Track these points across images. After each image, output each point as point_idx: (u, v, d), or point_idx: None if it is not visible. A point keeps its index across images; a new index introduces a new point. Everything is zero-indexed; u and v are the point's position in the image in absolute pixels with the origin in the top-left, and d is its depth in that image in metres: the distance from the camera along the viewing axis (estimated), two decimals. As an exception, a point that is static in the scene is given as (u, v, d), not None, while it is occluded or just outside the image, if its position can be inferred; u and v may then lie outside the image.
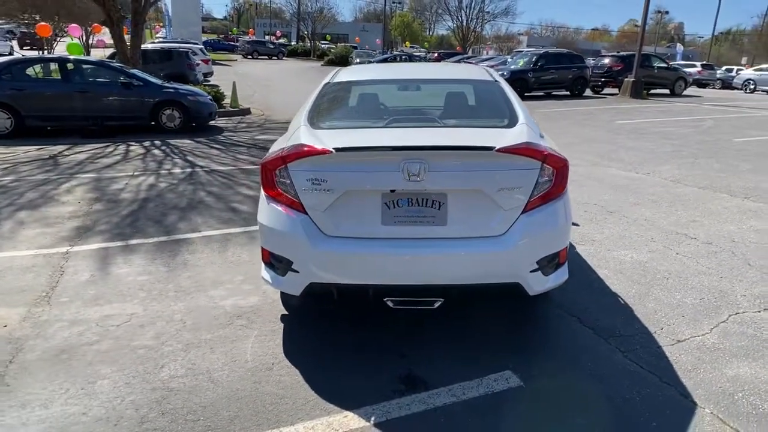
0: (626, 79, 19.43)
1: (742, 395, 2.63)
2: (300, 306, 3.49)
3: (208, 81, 19.86)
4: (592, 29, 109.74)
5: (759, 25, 61.53)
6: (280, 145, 3.07)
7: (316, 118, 3.20)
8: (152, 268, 4.10)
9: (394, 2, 76.64)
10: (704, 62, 34.38)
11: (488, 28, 71.55)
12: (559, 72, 19.37)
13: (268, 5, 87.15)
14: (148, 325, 3.26)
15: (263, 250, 3.01)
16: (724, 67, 33.77)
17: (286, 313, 3.42)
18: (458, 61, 33.94)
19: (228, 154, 8.69)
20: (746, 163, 8.35)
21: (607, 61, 21.51)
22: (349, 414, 2.47)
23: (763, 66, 28.67)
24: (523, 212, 2.75)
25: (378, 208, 2.73)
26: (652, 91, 21.03)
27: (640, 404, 2.55)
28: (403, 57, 31.93)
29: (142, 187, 6.51)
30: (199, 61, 19.92)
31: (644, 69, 20.15)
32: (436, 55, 38.94)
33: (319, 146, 2.71)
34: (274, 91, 20.62)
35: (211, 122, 11.53)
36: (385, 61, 30.40)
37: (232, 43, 59.37)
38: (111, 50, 16.48)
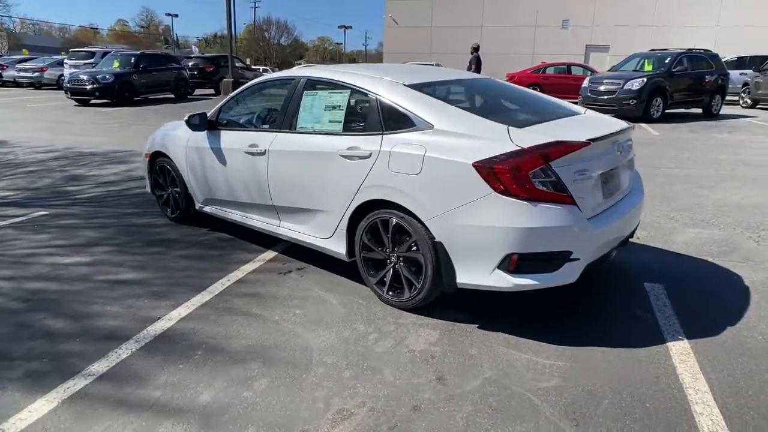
0: (225, 79, 20.52)
1: (698, 248, 4.57)
2: (470, 313, 3.41)
3: None
4: (81, 27, 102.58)
5: (251, 29, 73.09)
6: (484, 150, 2.96)
7: (496, 119, 3.23)
8: (225, 395, 2.87)
9: None
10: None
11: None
12: (162, 74, 18.52)
13: None
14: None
15: (513, 256, 2.94)
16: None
17: (474, 325, 3.30)
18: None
19: None
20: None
21: (196, 63, 21.98)
22: (678, 343, 3.05)
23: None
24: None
25: (599, 185, 3.23)
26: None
27: (710, 272, 4.13)
28: None
29: None
30: None
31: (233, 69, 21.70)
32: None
33: (575, 140, 2.98)
34: None
35: None
36: None
37: None
38: None
